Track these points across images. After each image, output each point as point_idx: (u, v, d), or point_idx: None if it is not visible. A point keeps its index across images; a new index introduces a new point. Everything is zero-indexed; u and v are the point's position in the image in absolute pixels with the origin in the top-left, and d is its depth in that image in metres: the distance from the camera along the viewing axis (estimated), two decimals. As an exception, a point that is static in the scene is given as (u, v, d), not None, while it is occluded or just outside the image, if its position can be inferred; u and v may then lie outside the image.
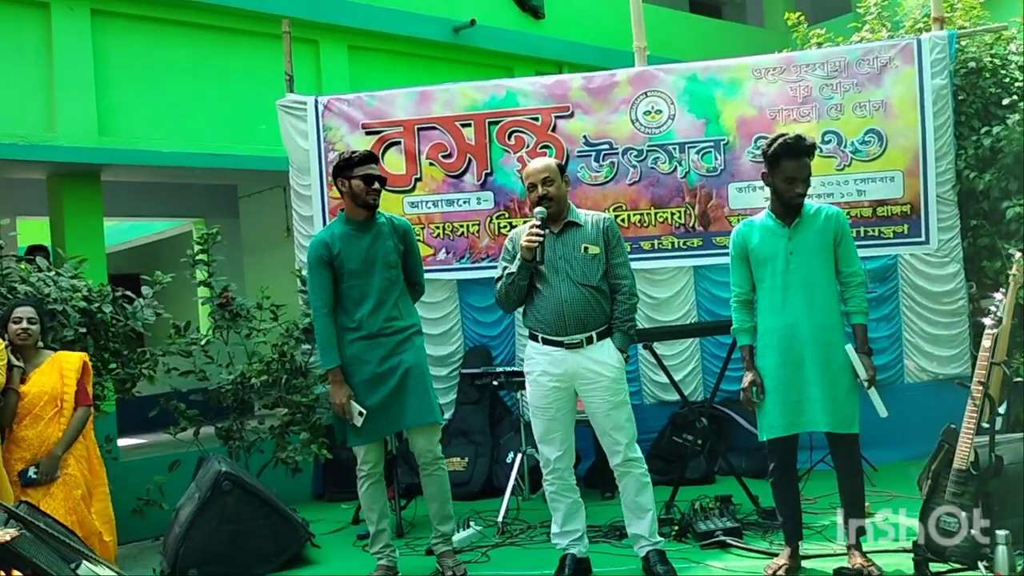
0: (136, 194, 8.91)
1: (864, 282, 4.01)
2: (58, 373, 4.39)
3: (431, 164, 6.48)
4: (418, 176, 6.47)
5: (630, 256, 4.30)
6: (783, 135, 3.94)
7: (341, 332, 4.25)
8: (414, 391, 4.21)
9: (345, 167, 4.24)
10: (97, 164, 6.97)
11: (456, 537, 4.66)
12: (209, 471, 4.80)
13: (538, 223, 3.98)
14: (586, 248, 4.03)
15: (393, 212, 6.41)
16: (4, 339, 4.25)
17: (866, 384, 3.85)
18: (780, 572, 3.92)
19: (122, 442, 6.64)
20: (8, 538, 2.33)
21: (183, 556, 4.50)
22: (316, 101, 6.58)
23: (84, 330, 4.96)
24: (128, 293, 5.45)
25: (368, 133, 6.51)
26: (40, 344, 4.47)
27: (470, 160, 6.44)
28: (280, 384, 5.94)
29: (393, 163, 6.47)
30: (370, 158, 4.29)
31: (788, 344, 3.88)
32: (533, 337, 4.11)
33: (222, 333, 5.95)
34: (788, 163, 3.86)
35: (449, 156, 6.47)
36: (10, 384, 4.23)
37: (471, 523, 4.96)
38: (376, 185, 4.23)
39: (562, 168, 4.13)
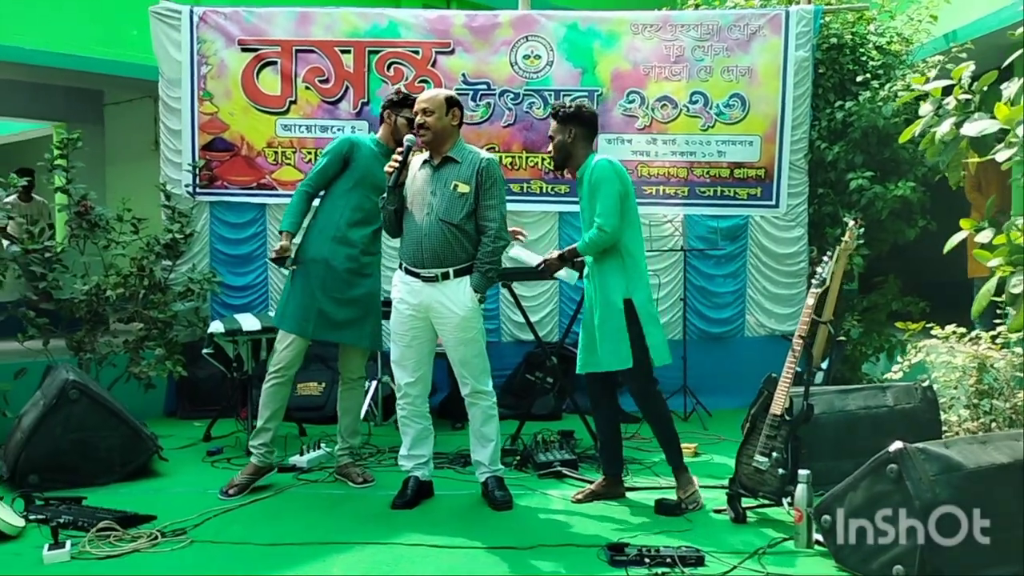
0: (-7, 91, 8.47)
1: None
2: None
3: (307, 88, 6.41)
4: (293, 99, 6.41)
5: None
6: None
7: (325, 227, 4.44)
8: (369, 314, 4.52)
9: (400, 104, 4.49)
10: (-51, 55, 6.60)
11: (306, 457, 4.81)
12: (56, 379, 4.72)
13: (402, 149, 4.12)
14: (455, 186, 4.13)
15: (266, 133, 6.40)
16: None
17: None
18: (580, 497, 4.27)
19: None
20: None
21: (23, 462, 4.44)
22: (191, 11, 6.39)
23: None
24: (-23, 194, 5.25)
25: (244, 50, 6.39)
26: None
27: (347, 87, 6.42)
28: (137, 299, 5.87)
29: (268, 83, 6.39)
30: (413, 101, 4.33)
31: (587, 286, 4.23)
32: (400, 265, 4.24)
33: (78, 243, 5.81)
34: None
35: (326, 81, 6.43)
36: None
37: (321, 445, 5.06)
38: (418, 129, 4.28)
39: (452, 102, 4.20)
